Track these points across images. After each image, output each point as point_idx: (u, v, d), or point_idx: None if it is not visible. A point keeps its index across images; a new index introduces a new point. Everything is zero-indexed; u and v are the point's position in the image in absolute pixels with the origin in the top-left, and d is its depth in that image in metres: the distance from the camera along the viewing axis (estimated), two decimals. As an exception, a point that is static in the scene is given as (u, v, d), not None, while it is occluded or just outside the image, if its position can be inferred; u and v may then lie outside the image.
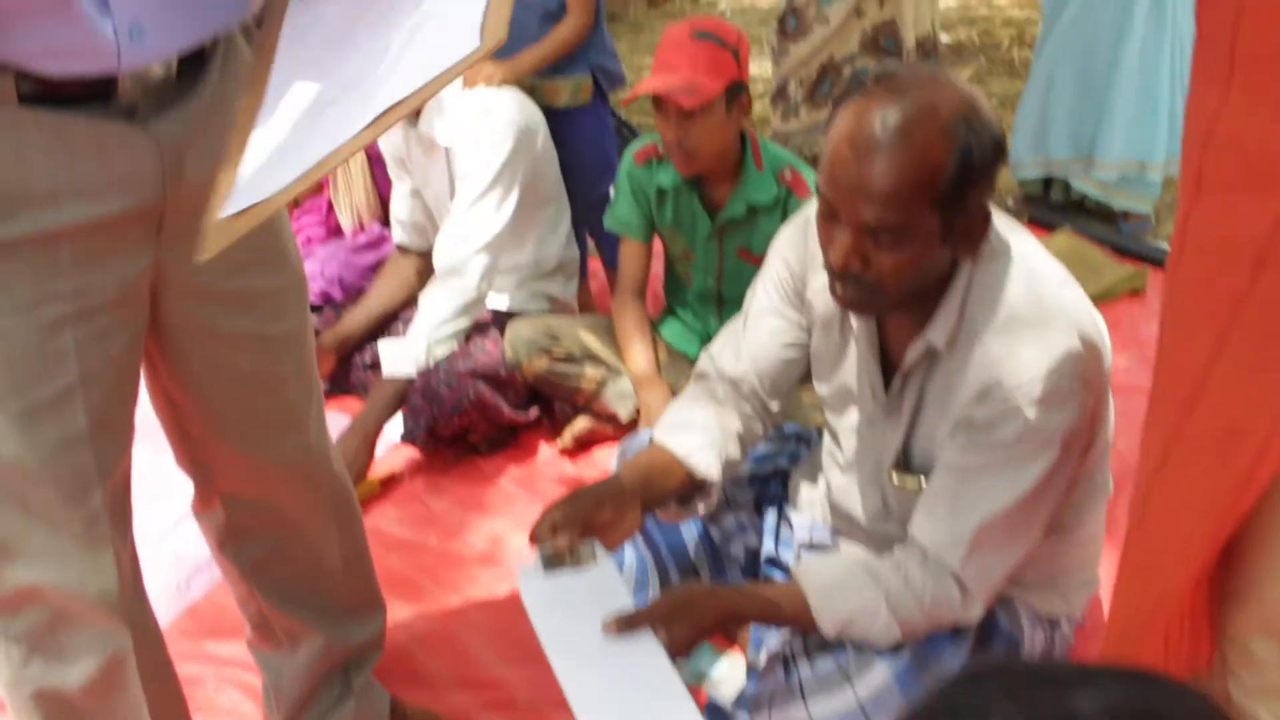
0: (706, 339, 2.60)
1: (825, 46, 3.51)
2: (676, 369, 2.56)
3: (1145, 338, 3.03)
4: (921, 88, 1.32)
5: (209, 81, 1.24)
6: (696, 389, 1.69)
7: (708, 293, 2.54)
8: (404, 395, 2.44)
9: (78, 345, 1.20)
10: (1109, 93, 3.33)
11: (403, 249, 2.83)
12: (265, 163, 0.98)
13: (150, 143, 1.19)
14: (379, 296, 2.78)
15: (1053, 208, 3.66)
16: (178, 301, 1.32)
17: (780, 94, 3.61)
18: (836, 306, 1.53)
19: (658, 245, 2.58)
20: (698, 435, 1.59)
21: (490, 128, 2.48)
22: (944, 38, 3.98)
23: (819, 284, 1.55)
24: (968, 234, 1.37)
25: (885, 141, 1.29)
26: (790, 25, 3.49)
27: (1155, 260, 3.33)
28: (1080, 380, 1.35)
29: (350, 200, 2.99)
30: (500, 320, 2.60)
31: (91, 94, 1.13)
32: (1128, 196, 3.48)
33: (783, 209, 2.35)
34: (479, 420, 2.45)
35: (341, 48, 1.02)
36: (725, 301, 2.54)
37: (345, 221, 3.01)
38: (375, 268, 2.91)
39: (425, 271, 2.83)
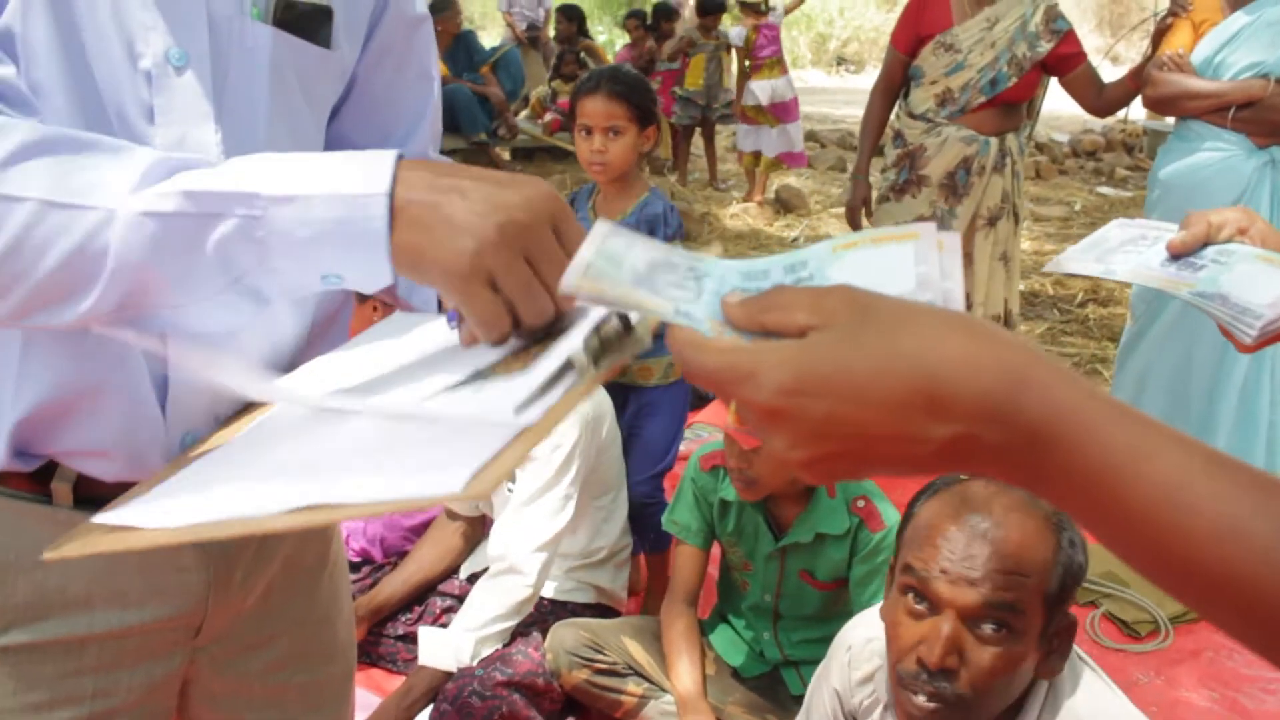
0: (757, 653, 2.45)
1: None
2: (722, 684, 2.40)
3: (1228, 675, 2.82)
4: (1009, 488, 1.31)
5: None
6: None
7: (764, 607, 2.40)
8: (439, 687, 2.30)
9: None
10: (1210, 409, 3.21)
11: (450, 514, 2.72)
12: (181, 489, 0.86)
13: (199, 553, 1.10)
14: (419, 564, 2.66)
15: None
16: (206, 697, 1.22)
17: None
18: None
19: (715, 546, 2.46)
20: None
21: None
22: (1019, 285, 3.94)
23: (862, 699, 1.53)
24: (1058, 644, 1.34)
25: (1001, 520, 1.28)
26: None
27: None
28: None
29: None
30: (544, 614, 2.47)
31: None
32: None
33: (853, 540, 2.22)
34: (509, 730, 2.30)
35: (330, 424, 0.90)
36: (781, 617, 2.39)
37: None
38: (419, 529, 2.80)
39: (471, 537, 2.72)
